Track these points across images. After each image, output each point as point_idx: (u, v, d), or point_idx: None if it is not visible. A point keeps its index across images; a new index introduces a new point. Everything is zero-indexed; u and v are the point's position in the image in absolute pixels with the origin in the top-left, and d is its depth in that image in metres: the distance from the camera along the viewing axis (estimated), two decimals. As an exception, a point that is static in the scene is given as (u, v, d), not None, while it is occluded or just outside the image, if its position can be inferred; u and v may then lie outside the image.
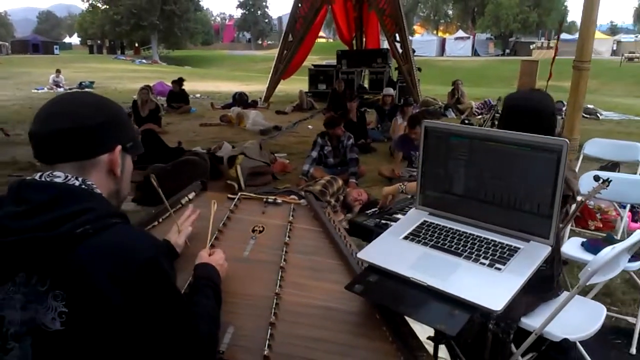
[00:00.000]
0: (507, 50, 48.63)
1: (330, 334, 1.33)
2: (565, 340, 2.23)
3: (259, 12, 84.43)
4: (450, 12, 62.31)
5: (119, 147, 1.11)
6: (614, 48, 41.13)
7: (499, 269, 1.25)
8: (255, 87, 17.97)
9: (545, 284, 2.10)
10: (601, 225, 4.03)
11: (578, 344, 2.20)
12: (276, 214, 1.74)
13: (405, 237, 1.43)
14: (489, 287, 1.20)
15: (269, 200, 1.84)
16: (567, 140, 1.23)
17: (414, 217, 1.51)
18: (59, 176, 1.03)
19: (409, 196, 2.49)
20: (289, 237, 1.60)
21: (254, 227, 1.68)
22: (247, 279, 1.48)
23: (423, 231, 1.44)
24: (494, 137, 1.37)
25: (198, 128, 9.74)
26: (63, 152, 1.04)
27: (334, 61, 15.35)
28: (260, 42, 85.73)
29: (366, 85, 14.51)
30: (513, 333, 1.97)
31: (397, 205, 2.46)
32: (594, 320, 2.04)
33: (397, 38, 12.92)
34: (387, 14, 13.01)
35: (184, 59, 48.74)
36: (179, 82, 11.58)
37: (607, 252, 1.76)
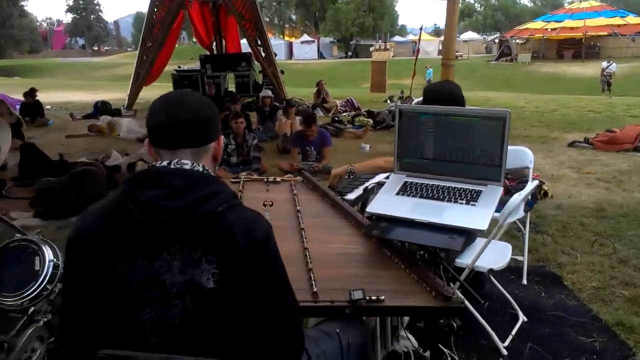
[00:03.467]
0: (350, 53, 51.91)
1: (356, 270, 1.74)
2: (482, 275, 2.88)
3: (92, 16, 78.74)
4: (293, 16, 64.52)
5: (221, 137, 1.37)
6: (440, 48, 46.23)
7: (474, 205, 1.76)
8: (111, 95, 17.09)
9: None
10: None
11: (492, 278, 2.84)
12: (280, 190, 2.08)
13: (397, 193, 1.88)
14: (472, 216, 1.70)
15: (269, 180, 2.16)
16: (509, 111, 1.78)
17: (396, 179, 1.97)
18: (186, 163, 1.23)
19: (349, 177, 2.92)
20: (298, 205, 1.95)
21: (264, 202, 2.00)
22: (278, 241, 1.80)
23: (408, 188, 1.90)
24: (454, 112, 1.88)
25: (65, 140, 9.19)
26: (185, 140, 1.24)
27: (195, 65, 15.28)
28: (96, 48, 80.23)
29: (232, 88, 14.72)
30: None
31: (342, 185, 2.89)
32: (504, 255, 2.69)
33: (259, 42, 13.36)
34: (247, 19, 13.35)
35: (10, 69, 43.74)
36: (32, 93, 10.73)
37: (516, 197, 2.39)
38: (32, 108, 10.81)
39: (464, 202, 1.78)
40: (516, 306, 2.89)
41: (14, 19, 44.66)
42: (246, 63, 13.98)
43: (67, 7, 76.09)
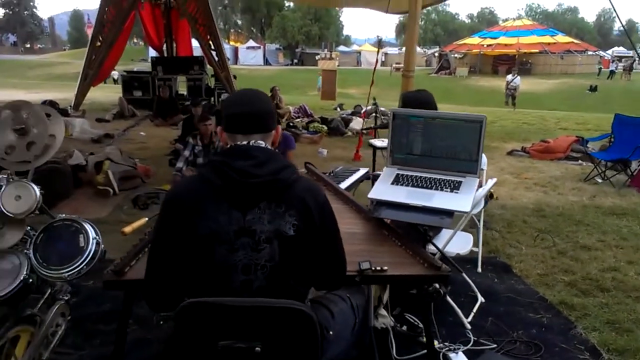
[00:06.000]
0: (295, 60, 52.39)
1: (361, 247, 2.05)
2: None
3: (25, 12, 75.08)
4: (239, 22, 64.36)
5: (279, 126, 1.67)
6: (383, 59, 47.57)
7: (457, 192, 2.12)
8: (52, 95, 16.53)
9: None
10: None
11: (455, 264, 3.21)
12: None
13: (392, 183, 2.21)
14: (457, 201, 2.06)
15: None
16: (485, 115, 2.16)
17: (390, 172, 2.31)
18: (261, 143, 1.56)
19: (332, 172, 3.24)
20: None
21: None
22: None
23: (401, 179, 2.24)
24: (440, 115, 2.24)
25: (14, 139, 8.94)
26: (258, 127, 1.56)
27: (144, 67, 15.11)
28: (29, 46, 76.48)
29: (183, 91, 14.69)
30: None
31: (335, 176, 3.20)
32: (468, 242, 3.09)
33: (212, 46, 13.46)
34: (200, 23, 13.42)
35: None
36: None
37: (480, 192, 2.78)
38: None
39: (448, 190, 2.14)
40: (475, 289, 3.29)
41: (-61, 12, 41.82)
42: (199, 67, 14.00)
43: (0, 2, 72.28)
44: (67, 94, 14.77)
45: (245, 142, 1.55)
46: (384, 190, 2.17)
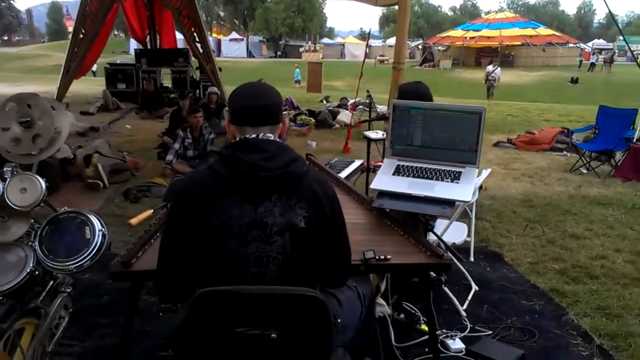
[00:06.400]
0: (279, 53, 52.14)
1: (365, 236, 2.08)
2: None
3: (2, 3, 73.43)
4: (222, 14, 63.77)
5: (286, 119, 1.68)
6: (367, 51, 47.60)
7: (457, 182, 2.16)
8: (32, 88, 16.24)
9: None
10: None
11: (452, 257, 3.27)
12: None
13: (393, 174, 2.25)
14: (458, 191, 2.10)
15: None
16: (484, 107, 2.20)
17: (390, 163, 2.34)
18: (269, 136, 1.56)
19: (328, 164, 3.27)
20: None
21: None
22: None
23: (401, 170, 2.28)
24: (440, 107, 2.28)
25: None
26: (267, 119, 1.57)
27: (126, 60, 14.91)
28: (6, 38, 74.93)
29: (169, 84, 14.55)
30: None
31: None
32: (463, 232, 3.15)
33: (197, 39, 13.33)
34: (184, 15, 13.27)
35: None
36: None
37: (476, 181, 2.83)
38: (-45, 98, 10.20)
39: (449, 180, 2.18)
40: (469, 278, 3.35)
41: None
42: (184, 59, 13.88)
43: (-23, -8, 70.62)
44: (48, 87, 14.51)
45: (254, 135, 1.55)
46: (385, 180, 2.21)
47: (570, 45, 40.38)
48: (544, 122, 12.27)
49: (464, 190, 2.10)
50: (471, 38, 38.59)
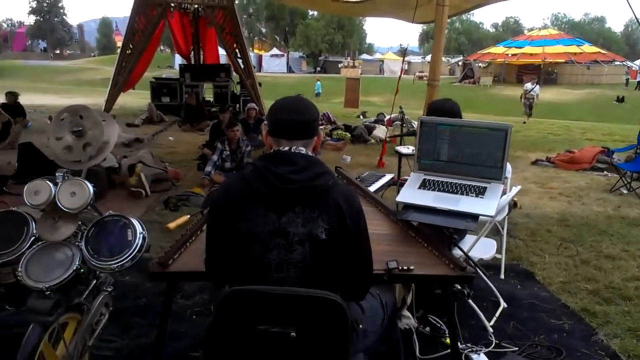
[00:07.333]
0: (318, 68, 52.72)
1: (389, 247, 2.15)
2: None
3: (56, 19, 77.12)
4: (263, 30, 65.07)
5: (321, 133, 1.79)
6: (406, 68, 47.56)
7: (482, 197, 2.22)
8: (81, 100, 16.96)
9: (461, 230, 3.15)
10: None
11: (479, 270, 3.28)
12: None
13: (419, 188, 2.32)
14: (482, 205, 2.15)
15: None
16: (511, 124, 2.25)
17: (416, 177, 2.41)
18: (302, 150, 1.65)
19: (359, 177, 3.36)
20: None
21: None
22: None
23: (427, 184, 2.34)
24: (466, 124, 2.34)
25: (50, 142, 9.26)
26: (303, 133, 1.66)
27: (171, 74, 15.43)
28: (58, 52, 78.46)
29: (210, 98, 14.99)
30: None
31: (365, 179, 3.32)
32: (491, 248, 3.16)
33: (239, 54, 13.71)
34: (227, 31, 13.70)
35: (-31, 69, 42.46)
36: (15, 94, 10.74)
37: (504, 199, 2.86)
38: (14, 109, 10.80)
39: (474, 195, 2.23)
40: (498, 294, 3.34)
41: (-24, 18, 43.22)
42: (225, 74, 14.29)
43: (30, 8, 74.48)
44: (96, 99, 15.19)
45: (287, 148, 1.65)
46: (411, 194, 2.28)
47: (617, 63, 39.26)
48: (586, 141, 12.00)
49: (488, 205, 2.15)
50: (513, 55, 38.07)
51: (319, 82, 29.30)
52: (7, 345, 2.12)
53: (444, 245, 2.25)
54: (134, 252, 2.06)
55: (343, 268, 1.66)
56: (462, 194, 2.25)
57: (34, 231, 2.12)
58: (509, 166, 3.97)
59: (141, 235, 2.09)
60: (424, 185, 2.34)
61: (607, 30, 74.23)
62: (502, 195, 2.76)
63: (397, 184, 3.80)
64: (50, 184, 2.07)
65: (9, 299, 3.13)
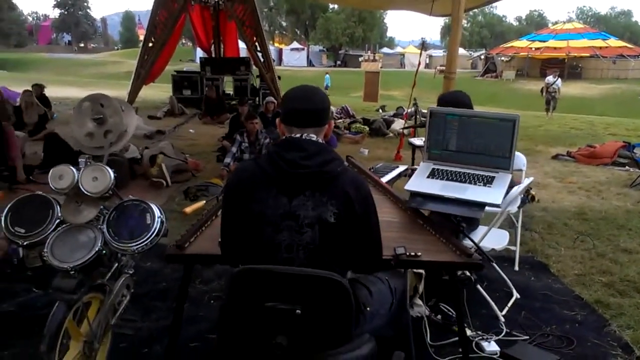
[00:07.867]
0: (339, 62, 52.63)
1: (398, 234, 2.21)
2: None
3: (80, 12, 78.32)
4: (284, 23, 65.15)
5: (332, 121, 1.85)
6: (427, 62, 47.17)
7: (490, 186, 2.26)
8: (109, 92, 17.19)
9: (473, 220, 3.18)
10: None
11: (494, 264, 3.30)
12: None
13: (428, 177, 2.37)
14: (489, 194, 2.19)
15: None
16: (518, 115, 2.28)
17: (426, 166, 2.46)
18: (312, 137, 1.72)
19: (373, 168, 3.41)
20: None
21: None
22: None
23: (436, 173, 2.39)
24: (474, 114, 2.38)
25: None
26: (314, 121, 1.73)
27: (192, 67, 15.59)
28: (83, 45, 79.74)
29: (230, 91, 15.14)
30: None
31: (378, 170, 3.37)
32: (503, 239, 3.19)
33: (258, 48, 13.81)
34: (247, 25, 13.80)
35: (-3, 62, 43.45)
36: (41, 87, 11.02)
37: (515, 190, 2.89)
38: (40, 101, 11.07)
39: (482, 184, 2.28)
40: (511, 285, 3.37)
41: (4, 12, 44.30)
42: (245, 67, 14.41)
43: (55, 2, 75.75)
44: (120, 92, 15.42)
45: (298, 135, 1.72)
46: (420, 182, 2.33)
47: (644, 57, 38.37)
48: (609, 136, 11.82)
49: (495, 194, 2.19)
50: (536, 49, 37.49)
51: (327, 75, 30.57)
52: (35, 324, 2.25)
53: (451, 233, 2.30)
54: (153, 235, 2.16)
55: (352, 250, 1.73)
56: (470, 183, 2.30)
57: (59, 214, 2.23)
58: (524, 158, 4.00)
59: (159, 219, 2.19)
60: (432, 174, 2.39)
61: (634, 24, 72.40)
62: (513, 186, 2.80)
63: (409, 174, 3.84)
64: (74, 169, 2.18)
65: (36, 281, 3.29)
